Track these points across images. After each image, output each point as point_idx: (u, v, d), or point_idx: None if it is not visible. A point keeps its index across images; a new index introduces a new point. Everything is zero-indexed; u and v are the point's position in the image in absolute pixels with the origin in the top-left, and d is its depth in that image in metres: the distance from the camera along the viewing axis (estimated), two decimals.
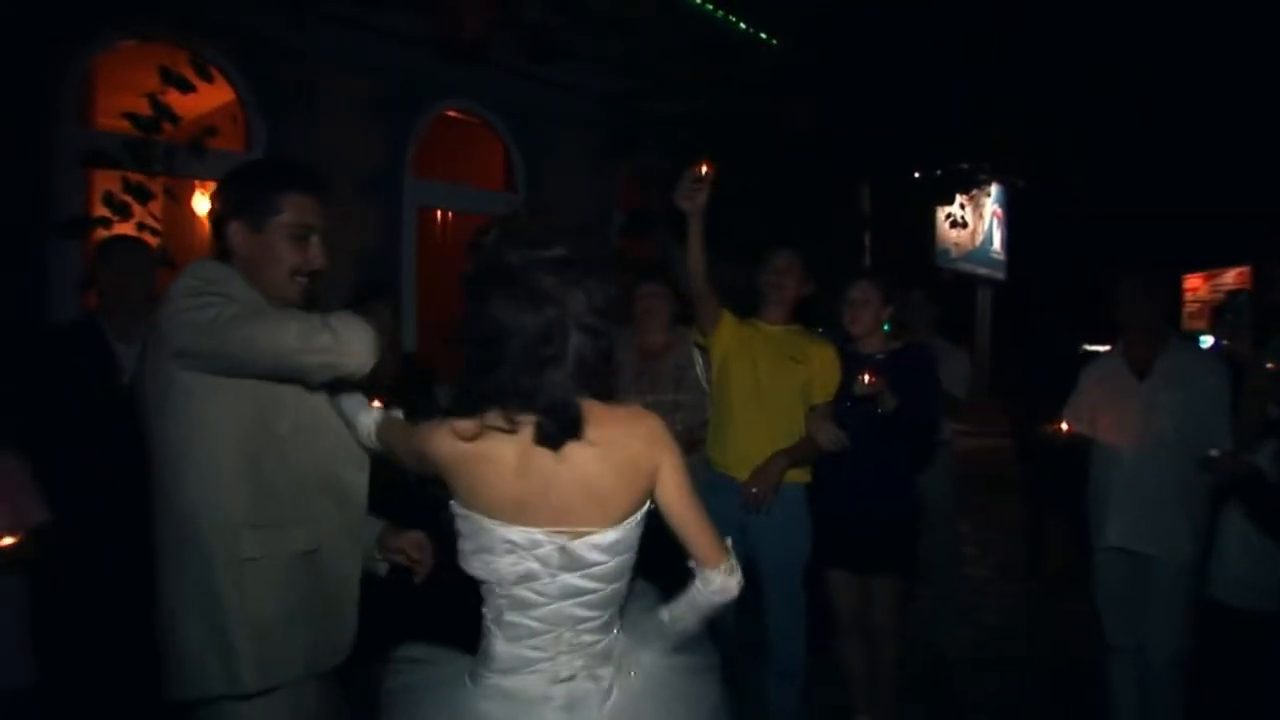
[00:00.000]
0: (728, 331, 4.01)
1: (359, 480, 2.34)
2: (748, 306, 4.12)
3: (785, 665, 3.95)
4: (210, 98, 5.08)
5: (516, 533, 1.83)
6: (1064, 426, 4.12)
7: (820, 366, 3.95)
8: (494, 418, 1.81)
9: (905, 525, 4.07)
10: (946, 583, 5.51)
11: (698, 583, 1.95)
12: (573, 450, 1.81)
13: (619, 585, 1.92)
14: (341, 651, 2.33)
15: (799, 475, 3.93)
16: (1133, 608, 3.88)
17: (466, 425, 1.81)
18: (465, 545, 1.88)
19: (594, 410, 1.83)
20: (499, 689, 1.89)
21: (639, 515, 1.90)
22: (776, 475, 3.80)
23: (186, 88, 4.52)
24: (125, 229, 4.30)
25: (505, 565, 1.85)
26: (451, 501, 1.89)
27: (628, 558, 1.91)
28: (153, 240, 4.33)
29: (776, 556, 3.91)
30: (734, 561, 1.94)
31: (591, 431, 1.81)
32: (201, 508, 2.09)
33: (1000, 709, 4.82)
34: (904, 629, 4.34)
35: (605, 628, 1.93)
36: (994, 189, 13.35)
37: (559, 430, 1.79)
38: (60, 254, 4.50)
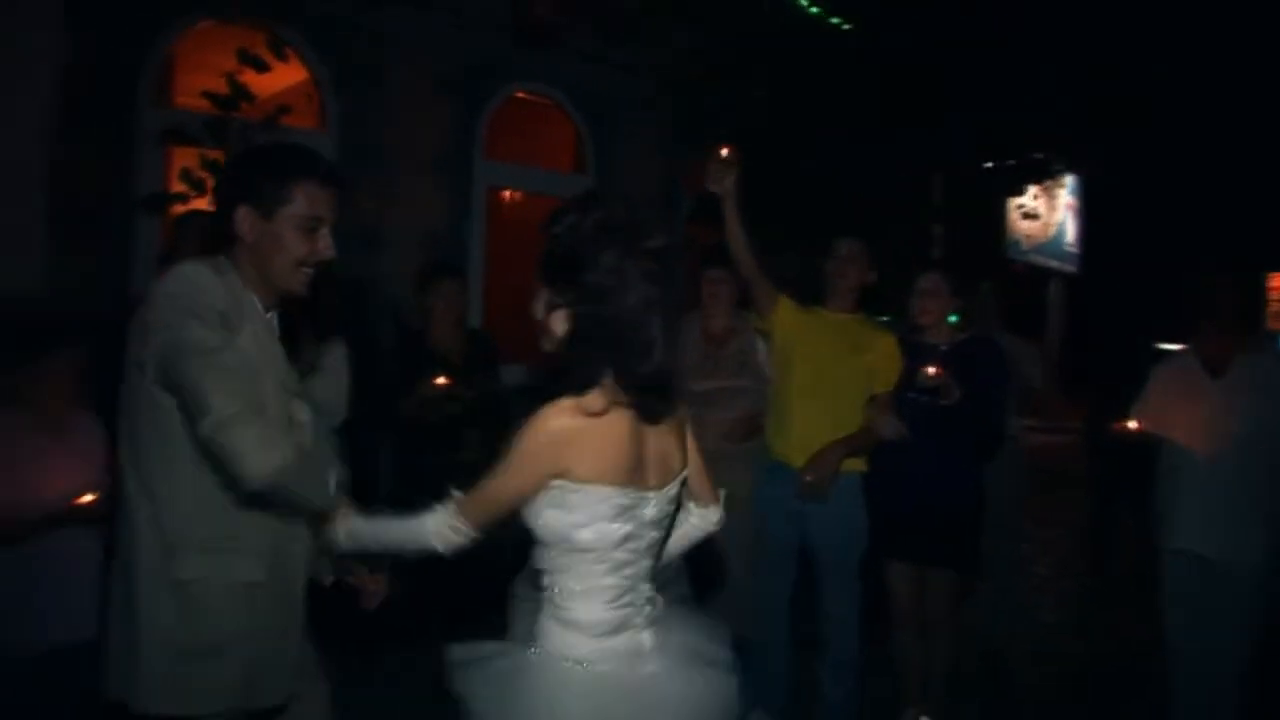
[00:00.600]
0: (786, 317, 3.99)
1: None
2: (812, 294, 4.09)
3: (840, 655, 3.93)
4: (285, 77, 5.18)
5: (629, 496, 1.93)
6: (1133, 424, 4.03)
7: (882, 356, 3.91)
8: (611, 391, 1.90)
9: (965, 519, 4.02)
10: (1007, 579, 5.43)
11: (695, 518, 2.26)
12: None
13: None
14: (281, 693, 2.23)
15: (856, 464, 3.90)
16: (1198, 612, 3.78)
17: (596, 400, 1.88)
18: (577, 518, 1.92)
19: None
20: (610, 651, 1.96)
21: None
22: (833, 464, 3.78)
23: (262, 67, 4.60)
24: (201, 204, 4.40)
25: (614, 530, 1.93)
26: (559, 484, 1.90)
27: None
28: None
29: (833, 545, 3.89)
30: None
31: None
32: (142, 520, 2.07)
33: (1056, 708, 4.75)
34: (961, 623, 4.29)
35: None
36: (1070, 180, 13.01)
37: (667, 402, 1.97)
38: (142, 227, 4.63)
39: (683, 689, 1.98)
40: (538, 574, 2.03)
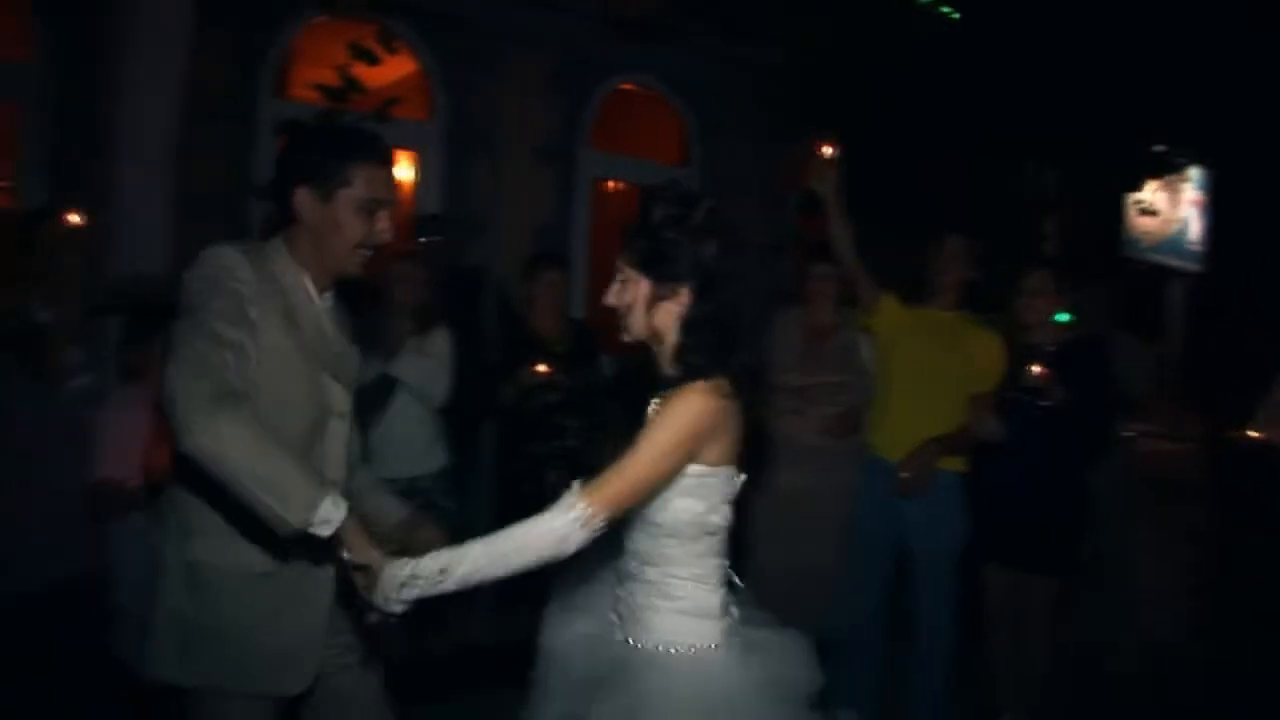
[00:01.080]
0: (889, 314, 3.96)
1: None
2: (916, 291, 4.03)
3: (931, 655, 3.87)
4: (396, 69, 5.31)
5: (739, 478, 2.03)
6: (1255, 433, 3.87)
7: (985, 355, 3.85)
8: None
9: (1065, 523, 3.92)
10: (1114, 588, 5.25)
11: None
12: None
13: None
14: (296, 683, 2.18)
15: (955, 464, 3.85)
16: None
17: (724, 385, 1.93)
18: (710, 503, 1.97)
19: None
20: (725, 633, 2.01)
21: None
22: (929, 461, 3.74)
23: (372, 60, 4.73)
24: None
25: (728, 512, 2.03)
26: (695, 469, 1.93)
27: None
28: None
29: (928, 543, 3.85)
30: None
31: None
32: (168, 501, 2.16)
33: None
34: (1060, 632, 4.17)
35: None
36: (1195, 174, 12.44)
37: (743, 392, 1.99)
38: (259, 214, 4.80)
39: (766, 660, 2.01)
40: (634, 566, 2.03)
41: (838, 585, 4.05)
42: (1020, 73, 6.32)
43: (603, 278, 5.89)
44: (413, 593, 1.79)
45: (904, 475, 3.74)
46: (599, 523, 1.82)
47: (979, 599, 4.03)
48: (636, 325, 2.02)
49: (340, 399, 2.25)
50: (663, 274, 1.96)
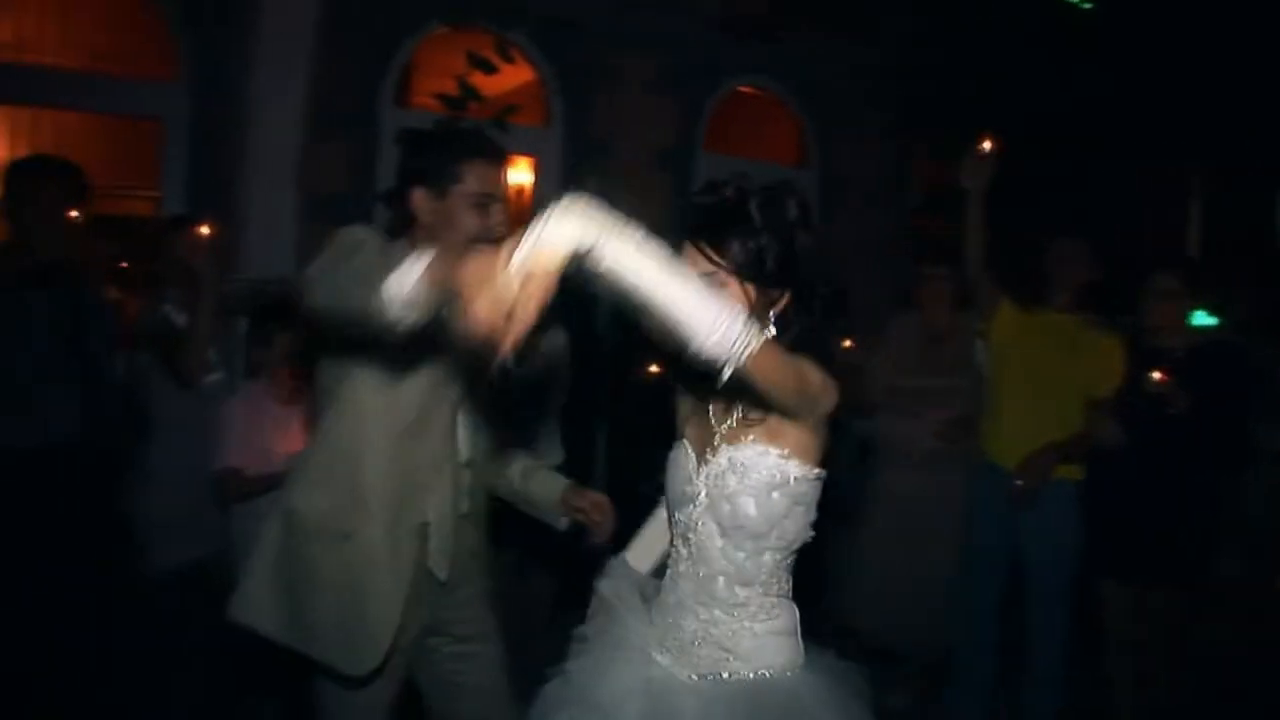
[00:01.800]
0: (1005, 318, 3.86)
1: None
2: (1034, 293, 3.92)
3: (1043, 671, 3.74)
4: (513, 77, 5.44)
5: None
6: None
7: (1103, 359, 3.71)
8: None
9: (1192, 537, 3.70)
10: (1252, 610, 4.93)
11: None
12: None
13: None
14: (364, 663, 2.18)
15: (1072, 471, 3.72)
16: None
17: None
18: (814, 507, 1.86)
19: None
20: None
21: None
22: (1045, 468, 3.62)
23: (490, 69, 4.85)
24: None
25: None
26: (813, 471, 1.84)
27: None
28: None
29: (1042, 554, 3.73)
30: None
31: None
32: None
33: None
34: (1187, 652, 3.95)
35: None
36: None
37: None
38: (380, 220, 4.98)
39: None
40: (719, 587, 1.84)
41: (951, 596, 3.96)
42: (1160, 63, 6.02)
43: None
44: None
45: (1018, 483, 3.64)
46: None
47: (1097, 616, 3.85)
48: None
49: (458, 394, 2.31)
50: (769, 278, 1.82)
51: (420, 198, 2.23)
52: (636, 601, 1.97)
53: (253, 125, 4.57)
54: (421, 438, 2.24)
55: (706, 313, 1.50)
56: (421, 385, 2.22)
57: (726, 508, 1.80)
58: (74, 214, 3.02)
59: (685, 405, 2.03)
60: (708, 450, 1.88)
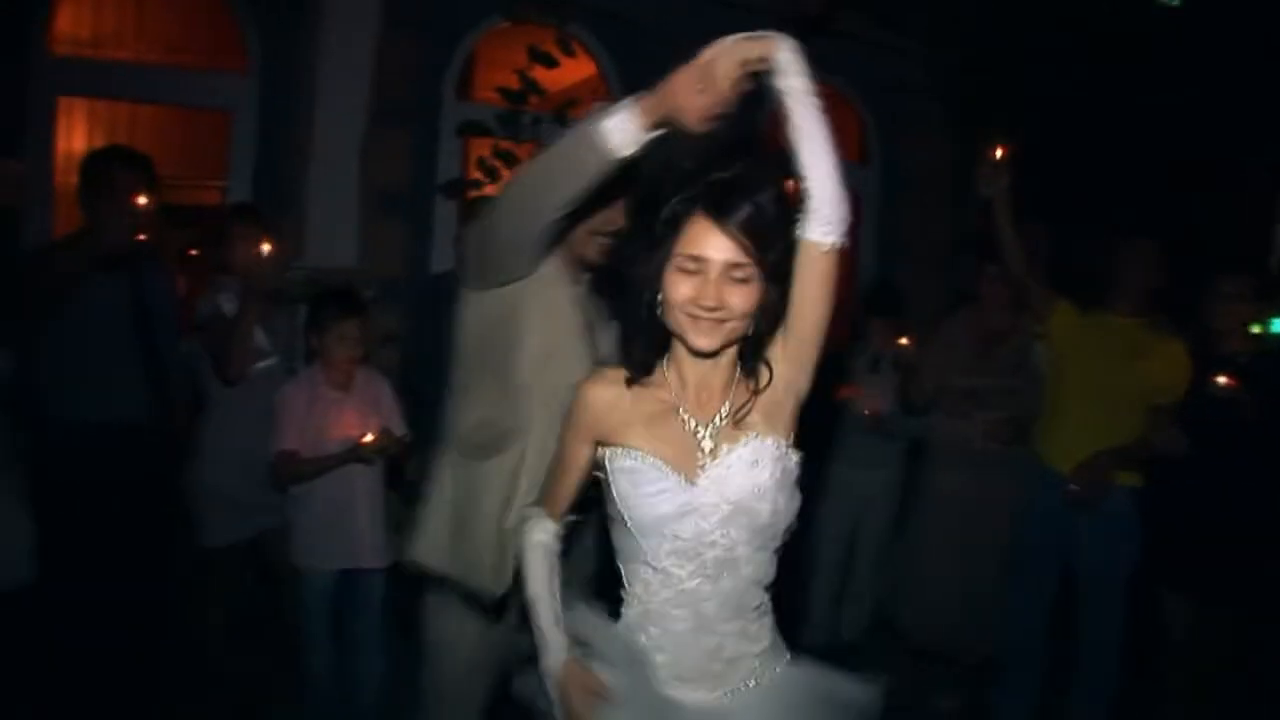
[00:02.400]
0: (1064, 320, 3.78)
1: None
2: (1098, 295, 3.83)
3: (1094, 679, 3.66)
4: (574, 72, 5.46)
5: None
6: None
7: (1166, 363, 3.60)
8: None
9: (1256, 550, 3.58)
10: None
11: None
12: None
13: None
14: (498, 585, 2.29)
15: (1131, 478, 3.63)
16: None
17: None
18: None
19: None
20: None
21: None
22: (1102, 473, 3.54)
23: (551, 63, 4.89)
24: (494, 190, 4.73)
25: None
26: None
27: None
28: None
29: (1097, 562, 3.65)
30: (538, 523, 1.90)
31: None
32: (452, 413, 2.41)
33: None
34: (1249, 670, 3.84)
35: None
36: None
37: None
38: (441, 210, 5.06)
39: None
40: (752, 594, 1.80)
41: (999, 599, 3.90)
42: (1250, 65, 5.83)
43: None
44: None
45: (1074, 487, 3.56)
46: None
47: (1153, 629, 3.75)
48: (735, 333, 1.74)
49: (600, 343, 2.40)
50: (778, 273, 1.73)
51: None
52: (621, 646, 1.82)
53: (317, 117, 4.66)
54: (564, 367, 2.27)
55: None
56: (571, 322, 2.33)
57: (756, 509, 1.72)
58: (145, 202, 3.10)
59: (618, 421, 1.80)
60: (696, 458, 1.74)
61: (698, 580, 1.73)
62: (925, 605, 4.07)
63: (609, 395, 1.79)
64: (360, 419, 3.38)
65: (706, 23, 5.50)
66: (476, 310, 2.35)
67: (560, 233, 2.25)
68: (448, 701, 2.45)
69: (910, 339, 4.22)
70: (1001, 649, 3.91)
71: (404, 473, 3.64)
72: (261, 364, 3.60)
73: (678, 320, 1.69)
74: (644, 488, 1.73)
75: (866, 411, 4.33)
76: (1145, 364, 3.61)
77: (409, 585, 3.64)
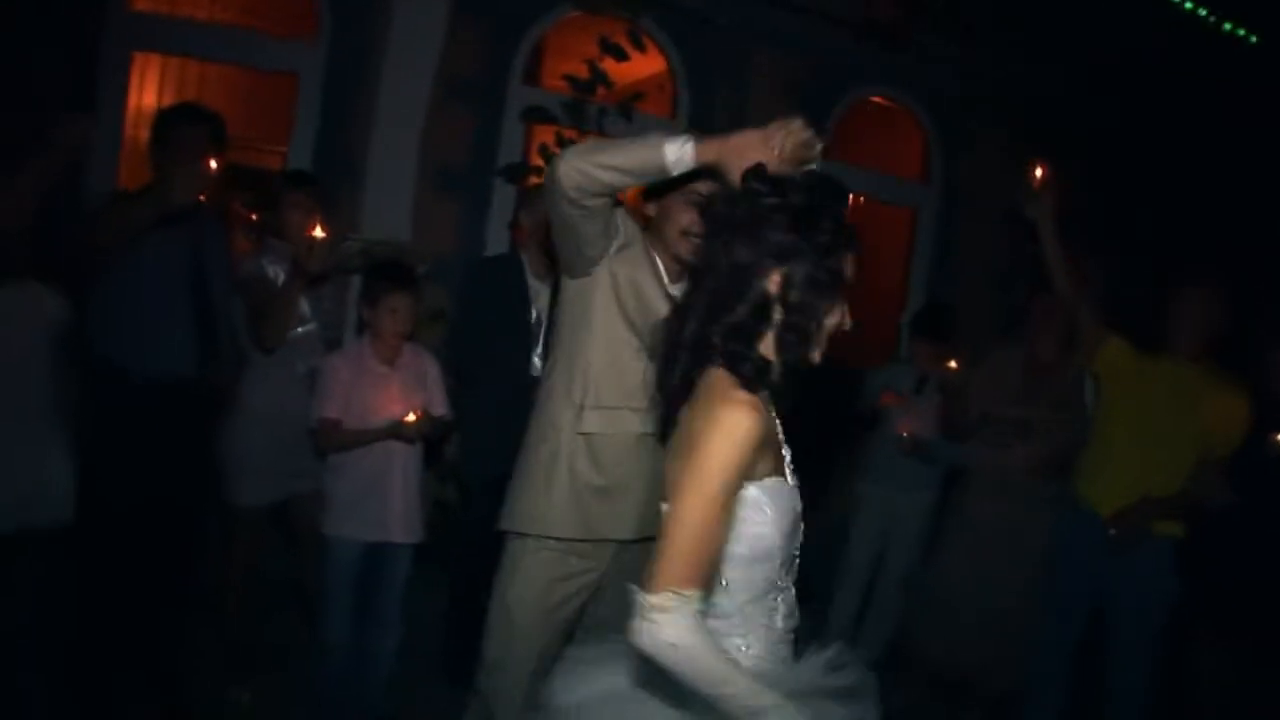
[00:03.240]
0: (1116, 359, 3.68)
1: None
2: (1159, 336, 3.71)
3: None
4: (643, 66, 5.46)
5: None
6: None
7: (1227, 415, 3.49)
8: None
9: None
10: None
11: None
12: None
13: None
14: (618, 530, 2.51)
15: (1172, 528, 3.54)
16: None
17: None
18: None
19: (716, 383, 1.72)
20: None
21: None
22: (1143, 522, 3.47)
23: (621, 56, 4.88)
24: None
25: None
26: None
27: None
28: None
29: (1129, 610, 3.57)
30: (686, 606, 1.55)
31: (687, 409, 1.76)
32: (560, 388, 2.53)
33: None
34: None
35: None
36: None
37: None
38: (498, 193, 5.07)
39: None
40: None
41: (1025, 632, 3.84)
42: None
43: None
44: None
45: (1113, 532, 3.49)
46: None
47: (1185, 682, 3.70)
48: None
49: None
50: None
51: (645, 208, 2.57)
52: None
53: (383, 90, 4.69)
54: (641, 356, 2.43)
55: None
56: (654, 311, 2.42)
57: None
58: (212, 162, 3.13)
59: (768, 446, 1.75)
60: (787, 460, 1.83)
61: (790, 595, 1.83)
62: (948, 631, 4.01)
63: (764, 421, 1.68)
64: (404, 395, 3.38)
65: (782, 27, 5.54)
66: (564, 293, 2.55)
67: (658, 233, 2.50)
68: (514, 669, 2.50)
69: (958, 362, 4.16)
70: (1022, 684, 3.86)
71: (442, 453, 3.66)
72: (300, 329, 3.62)
73: (819, 340, 1.76)
74: (786, 506, 1.75)
75: (905, 434, 4.27)
76: (1202, 414, 3.50)
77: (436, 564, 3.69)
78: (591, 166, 2.20)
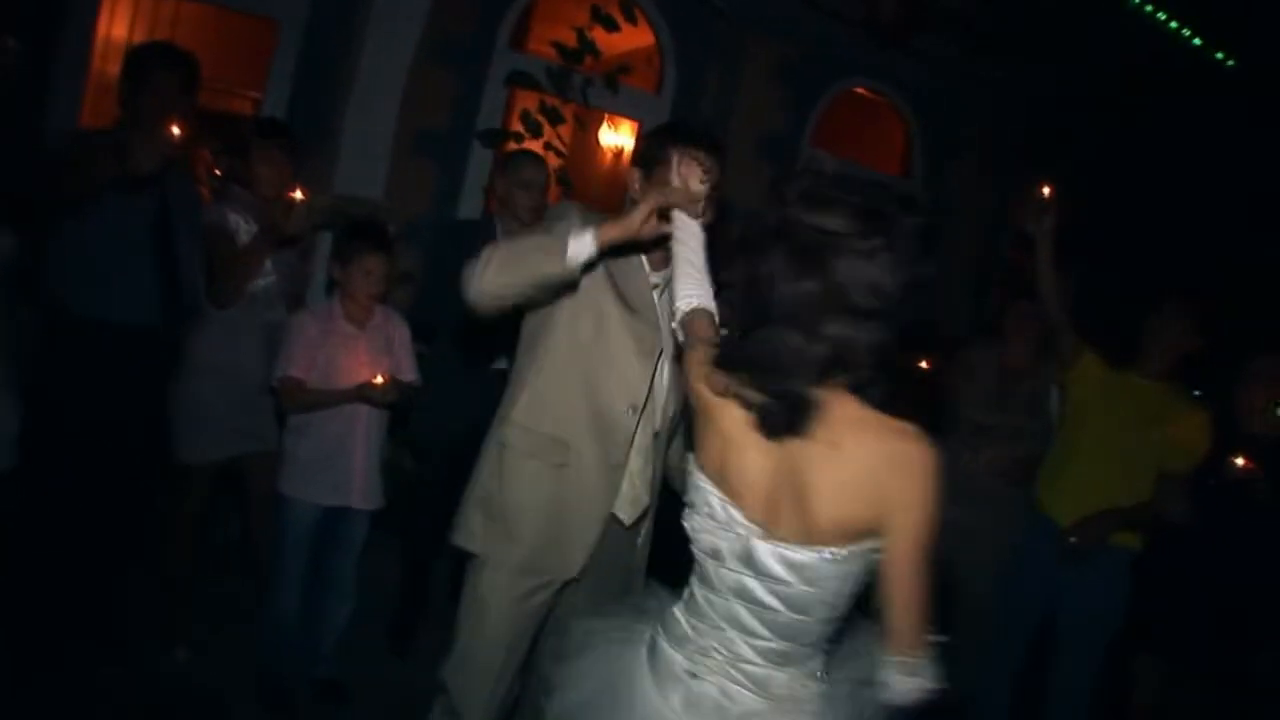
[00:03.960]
0: (1089, 372, 3.69)
1: (626, 421, 2.38)
2: (1127, 352, 3.75)
3: None
4: (632, 38, 5.36)
5: (717, 501, 1.68)
6: None
7: (1189, 433, 3.52)
8: (741, 382, 1.61)
9: (1243, 632, 3.57)
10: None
11: (885, 671, 1.61)
12: (799, 444, 1.57)
13: (808, 621, 1.65)
14: (568, 569, 2.40)
15: (1129, 539, 3.58)
16: None
17: (719, 380, 1.65)
18: (686, 498, 1.78)
19: (843, 408, 1.56)
20: (655, 645, 1.79)
21: (851, 552, 1.59)
22: (1102, 533, 3.50)
23: (611, 26, 4.80)
24: (533, 146, 4.63)
25: (705, 532, 1.71)
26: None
27: (822, 594, 1.62)
28: (555, 160, 4.64)
29: (1081, 615, 3.61)
30: (926, 661, 1.57)
31: (827, 431, 1.55)
32: (507, 393, 2.48)
33: None
34: None
35: (778, 659, 1.68)
36: None
37: (779, 418, 1.56)
38: (475, 157, 4.95)
39: None
40: None
41: (974, 638, 3.82)
42: None
43: None
44: None
45: (1073, 540, 3.51)
46: None
47: (1124, 691, 3.72)
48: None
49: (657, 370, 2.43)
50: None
51: (632, 177, 2.41)
52: None
53: (367, 43, 4.54)
54: (618, 389, 2.37)
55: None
56: (624, 342, 2.36)
57: None
58: (176, 128, 2.98)
59: None
60: None
61: None
62: None
63: None
64: (372, 358, 3.30)
65: (775, 12, 5.47)
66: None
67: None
68: (481, 663, 2.42)
69: (929, 362, 4.14)
70: (969, 687, 3.86)
71: (408, 420, 3.57)
72: (261, 281, 3.47)
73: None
74: None
75: None
76: (1165, 430, 3.53)
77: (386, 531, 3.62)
78: (499, 289, 2.17)
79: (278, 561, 3.31)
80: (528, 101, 4.95)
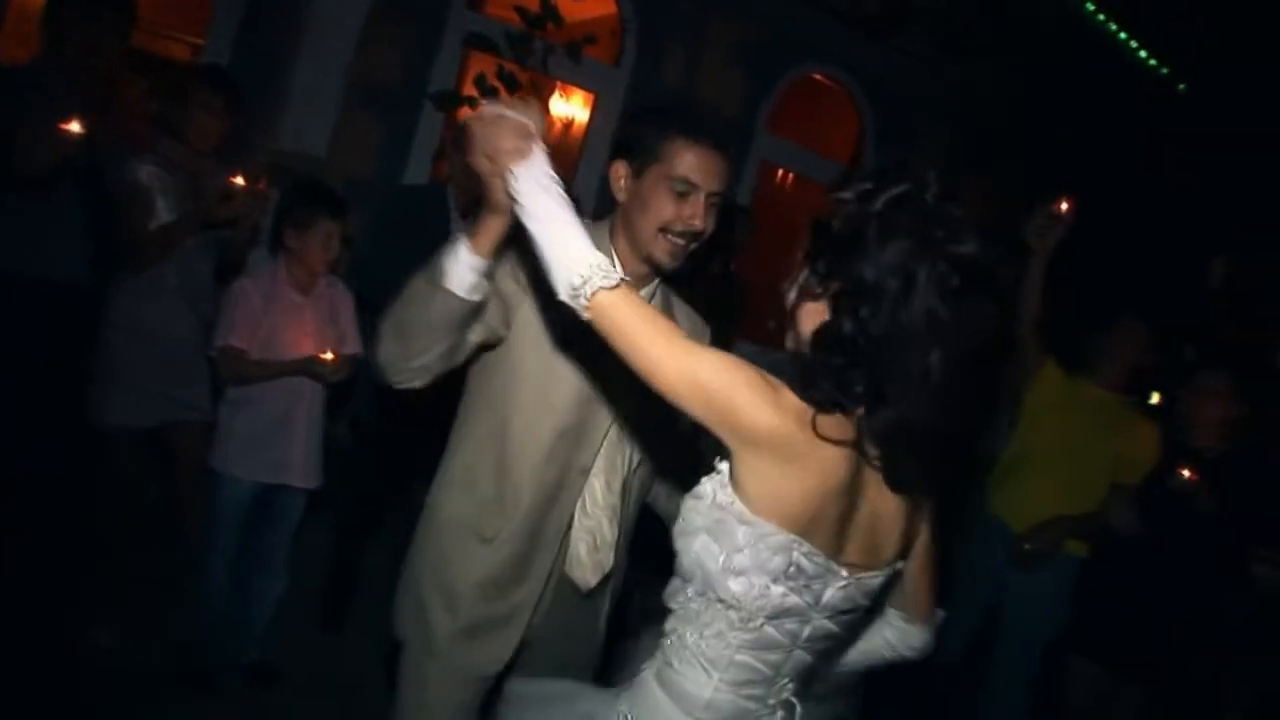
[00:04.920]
0: (1048, 381, 3.75)
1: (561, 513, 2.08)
2: (1081, 363, 3.81)
3: None
4: (593, 6, 5.20)
5: (811, 559, 1.41)
6: None
7: (1138, 444, 3.62)
8: (850, 423, 1.41)
9: (1179, 639, 3.58)
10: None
11: (891, 631, 1.74)
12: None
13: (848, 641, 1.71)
14: (494, 665, 2.05)
15: (1078, 547, 3.66)
16: None
17: (833, 425, 1.39)
18: (736, 560, 1.41)
19: None
20: None
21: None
22: (1055, 538, 3.59)
23: None
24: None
25: (774, 593, 1.41)
26: (732, 501, 1.42)
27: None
28: None
29: (1024, 617, 3.70)
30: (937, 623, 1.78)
31: None
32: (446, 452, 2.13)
33: None
34: None
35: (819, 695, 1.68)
36: None
37: (919, 467, 1.45)
38: (427, 121, 4.75)
39: None
40: (665, 612, 1.55)
41: None
42: (1254, 149, 5.84)
43: (754, 264, 5.76)
44: None
45: (1026, 546, 3.59)
46: None
47: (1059, 692, 3.76)
48: (789, 331, 1.50)
49: (619, 407, 2.08)
50: (816, 264, 1.44)
51: (618, 171, 2.00)
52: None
53: None
54: (578, 443, 2.04)
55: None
56: (580, 388, 2.01)
57: None
58: (74, 125, 2.75)
59: None
60: None
61: None
62: None
63: None
64: (317, 328, 3.13)
65: None
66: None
67: (629, 227, 1.99)
68: None
69: None
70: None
71: (349, 395, 3.40)
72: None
73: None
74: None
75: None
76: (1117, 440, 3.63)
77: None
78: (405, 358, 1.82)
79: (209, 539, 3.13)
80: (484, 65, 4.75)
